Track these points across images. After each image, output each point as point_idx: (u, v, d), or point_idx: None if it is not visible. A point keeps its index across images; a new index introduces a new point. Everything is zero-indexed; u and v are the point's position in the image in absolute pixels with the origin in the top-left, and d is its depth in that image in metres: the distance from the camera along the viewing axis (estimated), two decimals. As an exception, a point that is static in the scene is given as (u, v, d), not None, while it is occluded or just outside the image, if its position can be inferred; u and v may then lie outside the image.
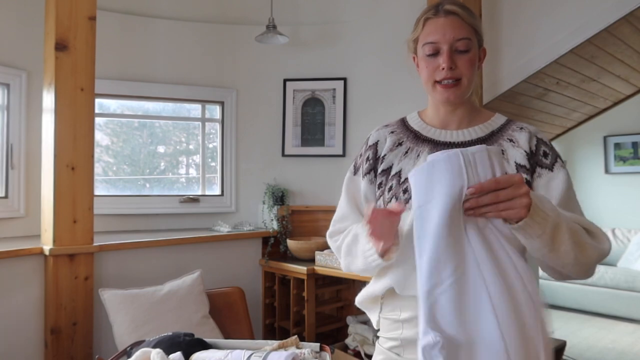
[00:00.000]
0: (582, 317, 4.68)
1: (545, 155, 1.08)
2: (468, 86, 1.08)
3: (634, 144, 5.29)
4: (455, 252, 0.81)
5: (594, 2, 2.39)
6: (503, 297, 0.79)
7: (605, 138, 5.45)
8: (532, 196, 0.84)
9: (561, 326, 4.39)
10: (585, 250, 0.91)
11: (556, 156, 1.09)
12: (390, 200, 1.11)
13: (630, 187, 5.31)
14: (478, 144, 1.09)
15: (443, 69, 1.05)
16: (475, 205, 0.82)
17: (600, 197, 5.51)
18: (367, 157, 1.20)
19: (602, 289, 4.70)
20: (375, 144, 1.19)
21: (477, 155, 0.82)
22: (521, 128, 1.11)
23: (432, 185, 0.82)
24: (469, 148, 0.83)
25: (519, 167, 1.07)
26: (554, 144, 5.41)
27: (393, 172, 1.14)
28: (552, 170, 1.07)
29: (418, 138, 1.15)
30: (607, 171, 5.47)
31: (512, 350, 0.77)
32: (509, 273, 0.81)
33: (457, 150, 0.82)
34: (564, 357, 2.65)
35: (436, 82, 1.08)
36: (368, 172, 1.18)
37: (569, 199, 1.05)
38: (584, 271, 0.95)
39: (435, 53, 1.06)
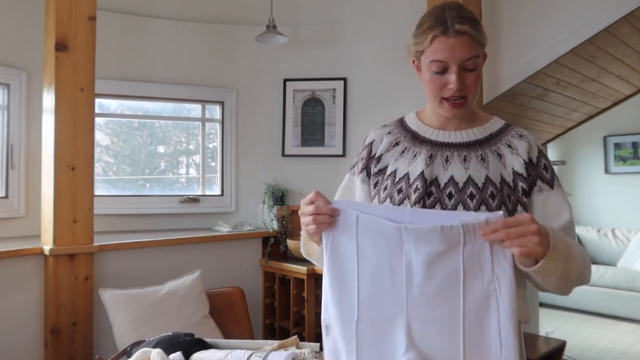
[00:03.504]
0: (582, 317, 4.68)
1: (546, 169, 1.09)
2: (473, 101, 1.09)
3: (634, 144, 5.29)
4: (446, 294, 0.91)
5: (594, 2, 2.39)
6: (474, 336, 0.90)
7: (605, 138, 5.45)
8: (550, 234, 0.90)
9: (561, 326, 4.38)
10: (578, 280, 1.00)
11: (554, 172, 1.10)
12: (384, 201, 1.12)
13: (630, 187, 5.31)
14: (476, 146, 1.10)
15: (451, 88, 1.04)
16: (490, 238, 0.88)
17: (600, 197, 5.51)
18: (362, 157, 1.21)
19: (602, 289, 4.70)
20: (371, 144, 1.20)
21: (477, 226, 0.89)
22: (520, 136, 1.11)
23: (428, 241, 0.91)
24: (469, 219, 0.89)
25: (516, 174, 1.07)
26: (554, 144, 5.39)
27: (388, 172, 1.14)
28: (552, 188, 1.08)
29: (416, 138, 1.15)
30: (607, 171, 5.48)
31: None
32: (491, 325, 0.90)
33: (459, 225, 0.89)
34: (564, 357, 2.65)
35: (443, 98, 1.07)
36: (361, 171, 1.19)
37: (571, 222, 1.07)
38: (564, 293, 1.03)
39: (443, 71, 1.05)
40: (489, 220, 0.88)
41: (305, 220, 1.00)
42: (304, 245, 1.14)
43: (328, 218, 0.96)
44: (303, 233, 1.06)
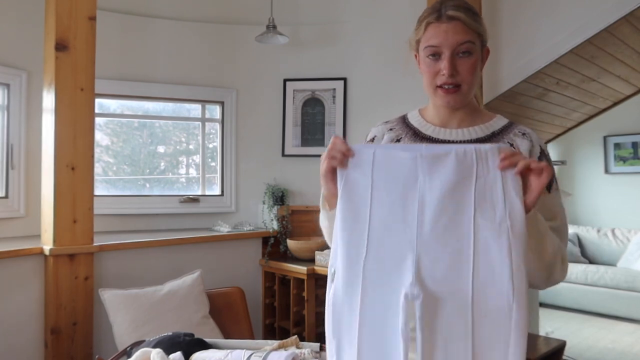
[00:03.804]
0: (582, 317, 4.68)
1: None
2: (468, 91, 1.08)
3: (634, 144, 5.29)
4: (457, 230, 0.88)
5: (594, 2, 2.39)
6: (484, 278, 0.87)
7: (605, 138, 5.45)
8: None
9: (561, 326, 4.38)
10: (550, 267, 1.00)
11: (554, 174, 1.09)
12: None
13: (630, 187, 5.31)
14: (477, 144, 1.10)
15: (444, 74, 1.04)
16: (509, 162, 0.87)
17: (600, 197, 5.51)
18: None
19: (602, 289, 4.70)
20: (372, 140, 1.20)
21: (490, 152, 0.89)
22: (523, 134, 1.10)
23: (442, 169, 0.90)
24: (482, 145, 0.89)
25: None
26: (554, 144, 5.38)
27: None
28: (549, 191, 1.07)
29: (417, 135, 1.15)
30: (607, 171, 5.48)
31: (477, 314, 0.86)
32: (503, 268, 0.86)
33: (472, 146, 0.89)
34: (564, 357, 2.65)
35: (437, 86, 1.07)
36: None
37: (562, 226, 1.07)
38: (536, 279, 1.02)
39: (437, 57, 1.05)
40: (501, 149, 0.88)
41: (321, 160, 0.97)
42: (322, 208, 1.10)
43: (341, 155, 0.93)
44: (322, 188, 1.02)
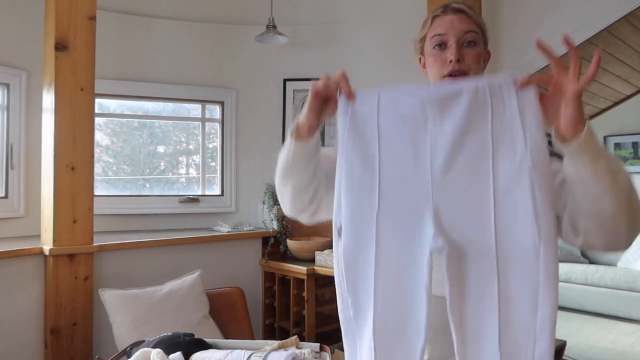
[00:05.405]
0: (582, 317, 4.68)
1: (550, 144, 1.07)
2: None
3: (634, 144, 5.29)
4: (474, 173, 0.82)
5: (594, 2, 2.39)
6: (507, 222, 0.80)
7: (605, 138, 5.45)
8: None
9: (561, 326, 4.39)
10: (630, 198, 0.81)
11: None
12: None
13: (630, 187, 5.31)
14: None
15: (451, 61, 1.04)
16: (530, 79, 0.82)
17: (601, 197, 5.50)
18: None
19: (602, 289, 4.70)
20: None
21: (504, 84, 0.83)
22: None
23: (453, 111, 0.84)
24: (495, 77, 0.84)
25: None
26: (554, 144, 5.42)
27: None
28: (561, 159, 1.05)
29: None
30: (607, 171, 5.47)
31: (502, 259, 0.80)
32: (527, 210, 0.80)
33: (484, 79, 0.84)
34: (564, 357, 2.65)
35: (444, 76, 1.07)
36: None
37: None
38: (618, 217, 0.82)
39: (443, 46, 1.07)
40: (515, 77, 0.82)
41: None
42: (289, 136, 1.03)
43: (335, 86, 0.91)
44: (300, 114, 0.98)
